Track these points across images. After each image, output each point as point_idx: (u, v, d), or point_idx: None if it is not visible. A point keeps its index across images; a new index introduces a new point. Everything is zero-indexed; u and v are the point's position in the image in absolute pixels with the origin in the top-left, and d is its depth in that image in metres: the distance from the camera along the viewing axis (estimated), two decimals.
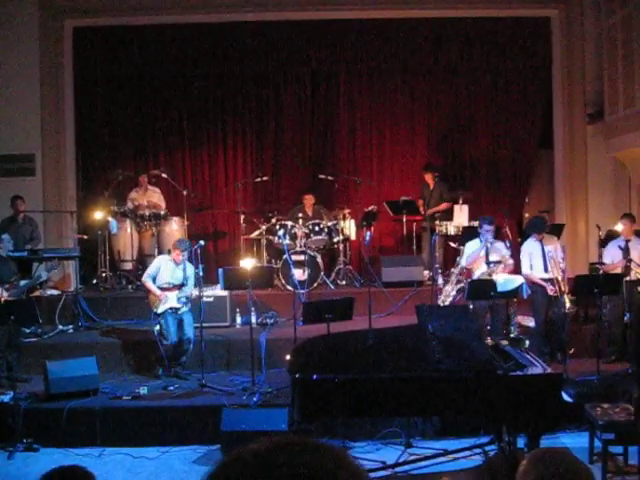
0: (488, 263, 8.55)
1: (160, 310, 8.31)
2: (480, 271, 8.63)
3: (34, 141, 11.23)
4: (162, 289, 8.35)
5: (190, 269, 8.46)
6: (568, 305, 8.31)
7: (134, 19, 11.64)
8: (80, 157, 11.92)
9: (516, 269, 8.92)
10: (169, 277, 8.41)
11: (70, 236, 10.98)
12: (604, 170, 11.36)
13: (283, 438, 0.97)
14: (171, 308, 8.32)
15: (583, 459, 2.10)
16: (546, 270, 8.51)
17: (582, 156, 11.51)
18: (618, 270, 8.49)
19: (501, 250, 8.66)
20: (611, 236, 9.38)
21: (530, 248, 8.70)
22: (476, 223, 9.43)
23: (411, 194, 11.30)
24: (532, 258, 8.62)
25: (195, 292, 8.49)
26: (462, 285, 8.67)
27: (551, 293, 8.42)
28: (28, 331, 9.03)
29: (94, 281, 10.83)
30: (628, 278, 8.40)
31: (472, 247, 8.77)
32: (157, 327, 8.40)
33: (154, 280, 8.41)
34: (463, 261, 8.89)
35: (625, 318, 8.39)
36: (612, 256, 8.65)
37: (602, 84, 11.13)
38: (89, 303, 10.02)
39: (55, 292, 10.27)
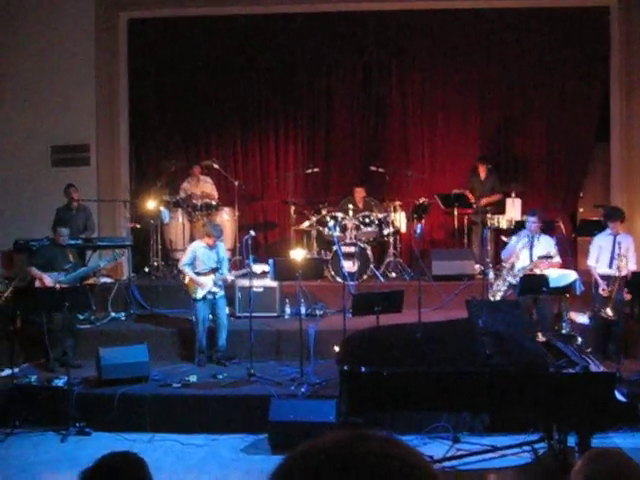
0: (531, 257, 8.43)
1: (199, 296, 8.44)
2: (522, 265, 8.51)
3: (89, 131, 11.43)
4: (200, 275, 8.47)
5: (223, 251, 8.64)
6: (611, 313, 8.13)
7: (187, 10, 11.72)
8: (134, 147, 12.09)
9: (567, 264, 8.77)
10: (206, 262, 8.56)
11: (123, 225, 11.16)
12: None
13: (356, 430, 0.96)
14: (209, 292, 8.44)
15: (636, 459, 2.05)
16: (610, 266, 8.33)
17: (639, 150, 11.23)
18: None
19: (547, 245, 8.51)
20: None
21: (601, 241, 8.52)
22: None
23: (462, 187, 11.18)
24: (601, 252, 8.44)
25: (230, 277, 8.64)
26: (514, 280, 8.54)
27: (602, 293, 8.26)
28: (82, 318, 9.22)
29: (146, 270, 11.00)
30: None
31: (515, 239, 8.69)
32: (194, 317, 8.56)
33: (191, 268, 8.53)
34: (502, 255, 8.84)
35: None
36: None
37: None
38: (141, 291, 10.18)
39: (108, 280, 10.45)
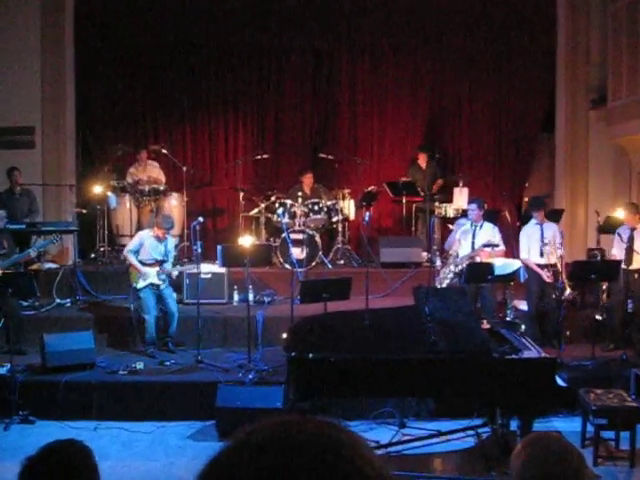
0: (473, 246, 8.57)
1: (140, 286, 8.35)
2: (463, 252, 8.65)
3: (34, 114, 11.17)
4: (144, 264, 8.38)
5: (171, 244, 8.52)
6: (568, 291, 8.33)
7: None
8: (80, 131, 11.87)
9: (512, 253, 8.94)
10: (152, 253, 8.44)
11: (69, 210, 10.96)
12: (605, 156, 11.34)
13: (296, 415, 0.97)
14: (151, 284, 8.35)
15: (575, 443, 2.12)
16: (542, 255, 8.52)
17: (583, 141, 11.48)
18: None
19: (489, 233, 8.65)
20: (610, 223, 9.38)
21: (529, 232, 8.70)
22: None
23: (407, 175, 11.30)
24: (530, 242, 8.63)
25: (175, 272, 8.53)
26: (460, 268, 8.67)
27: (547, 280, 8.44)
28: (26, 304, 9.05)
29: (92, 255, 10.85)
30: (632, 267, 8.34)
31: (457, 228, 8.83)
32: (135, 304, 8.46)
33: (136, 255, 8.43)
34: (445, 246, 8.98)
35: (629, 307, 8.38)
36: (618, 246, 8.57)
37: (606, 70, 11.07)
38: (87, 277, 10.03)
39: (53, 266, 10.28)
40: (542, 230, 8.58)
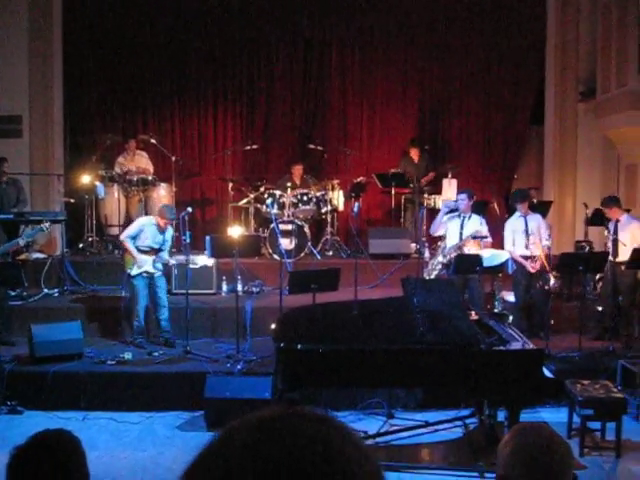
0: (461, 236, 8.60)
1: (134, 272, 8.28)
2: (451, 243, 8.67)
3: (21, 102, 11.09)
4: (140, 251, 8.33)
5: (169, 233, 8.45)
6: (553, 282, 8.38)
7: None
8: (68, 120, 11.80)
9: (501, 245, 8.97)
10: (150, 241, 8.36)
11: (57, 200, 10.90)
12: (593, 149, 11.38)
13: (287, 407, 0.97)
14: (146, 272, 8.31)
15: (562, 434, 2.14)
16: (527, 247, 8.55)
17: (572, 134, 11.51)
18: None
19: (477, 224, 8.67)
20: (598, 215, 9.41)
21: (513, 224, 8.73)
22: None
23: (399, 167, 11.31)
24: (515, 235, 8.66)
25: (172, 260, 8.49)
26: (448, 258, 8.69)
27: (532, 271, 8.48)
28: (13, 294, 9.01)
29: (80, 245, 10.80)
30: (617, 259, 8.39)
31: (450, 221, 8.85)
32: (128, 292, 8.42)
33: (133, 241, 8.37)
34: (431, 228, 9.06)
35: (619, 299, 8.43)
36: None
37: (595, 62, 11.10)
38: (75, 267, 10.00)
39: (41, 256, 10.23)
40: (526, 222, 8.61)
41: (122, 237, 8.51)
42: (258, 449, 0.89)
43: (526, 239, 8.53)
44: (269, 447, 0.89)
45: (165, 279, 8.51)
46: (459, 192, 9.05)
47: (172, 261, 8.53)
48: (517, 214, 8.74)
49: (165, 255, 8.40)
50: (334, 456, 0.89)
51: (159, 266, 8.39)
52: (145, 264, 8.28)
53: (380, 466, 0.95)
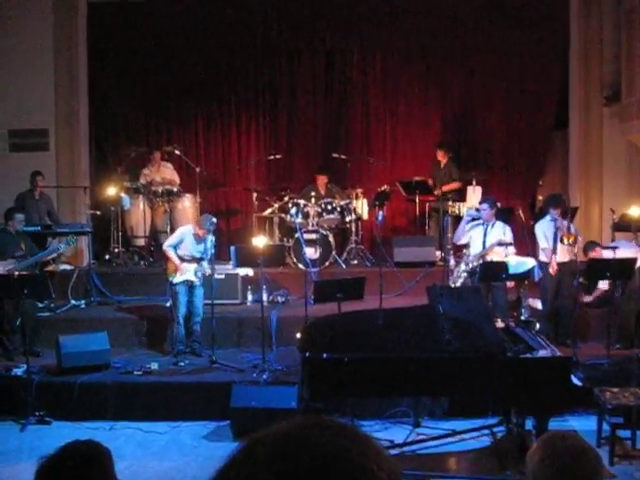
0: (484, 244, 8.54)
1: (176, 280, 8.32)
2: (475, 251, 8.62)
3: (48, 116, 11.23)
4: (182, 260, 8.38)
5: (211, 243, 8.46)
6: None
7: None
8: (94, 133, 11.93)
9: (527, 251, 8.90)
10: (191, 249, 8.42)
11: (83, 211, 10.99)
12: (619, 153, 11.26)
13: (310, 418, 0.97)
14: (187, 280, 8.35)
15: (591, 442, 2.12)
16: (554, 252, 8.47)
17: (597, 139, 11.42)
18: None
19: (499, 232, 8.61)
20: (625, 220, 9.31)
21: (544, 227, 8.63)
22: None
23: (424, 174, 11.27)
24: (548, 239, 8.57)
25: (209, 270, 8.46)
26: (471, 266, 8.64)
27: (552, 272, 8.40)
28: (41, 306, 9.09)
29: (106, 257, 10.88)
30: None
31: (472, 226, 8.80)
32: (169, 302, 8.44)
33: (175, 250, 8.43)
34: (455, 237, 9.00)
35: None
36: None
37: (620, 66, 11.00)
38: (101, 279, 10.08)
39: (68, 267, 10.33)
40: (556, 226, 8.52)
41: (164, 246, 8.58)
42: (280, 464, 0.89)
43: (554, 244, 8.45)
44: (290, 462, 0.89)
45: (204, 289, 8.48)
46: (481, 201, 9.00)
47: (209, 271, 8.44)
48: (548, 217, 8.62)
49: (207, 264, 8.41)
50: (354, 471, 0.89)
51: (200, 275, 8.43)
52: (187, 272, 8.33)
53: (402, 477, 0.94)
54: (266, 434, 0.94)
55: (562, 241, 8.35)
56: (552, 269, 8.37)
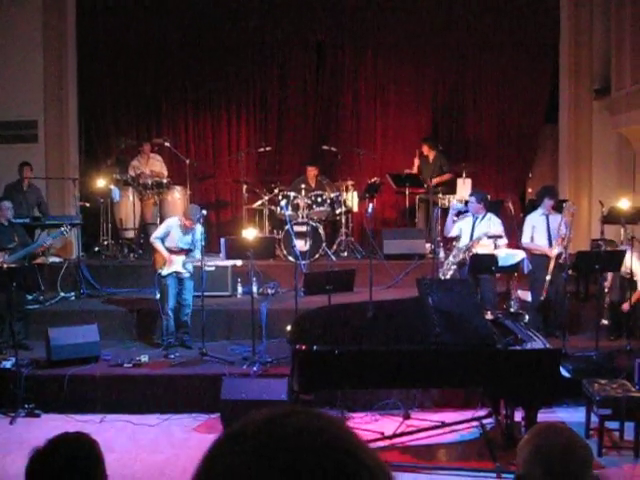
0: (471, 237, 8.55)
1: (165, 272, 8.31)
2: (463, 244, 8.64)
3: (36, 107, 11.18)
4: (170, 251, 8.36)
5: (199, 234, 8.43)
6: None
7: None
8: (83, 124, 11.87)
9: (516, 244, 8.92)
10: (178, 241, 8.40)
11: (72, 203, 10.96)
12: (609, 146, 11.30)
13: (290, 406, 0.98)
14: (175, 272, 8.34)
15: (579, 434, 2.13)
16: (550, 246, 8.49)
17: (587, 132, 11.45)
18: None
19: (488, 224, 8.62)
20: (614, 214, 9.34)
21: (534, 221, 8.65)
22: None
23: (413, 167, 11.28)
24: (535, 231, 8.60)
25: (200, 260, 8.45)
26: (458, 259, 8.64)
27: (551, 255, 8.41)
28: (30, 298, 9.07)
29: (96, 249, 10.86)
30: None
31: (463, 221, 8.81)
32: (158, 294, 8.42)
33: (162, 242, 8.41)
34: (445, 231, 9.02)
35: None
36: None
37: (609, 59, 11.03)
38: (91, 271, 10.05)
39: (57, 259, 10.29)
40: (548, 221, 8.54)
41: (151, 239, 8.57)
42: (264, 448, 0.89)
43: (548, 237, 8.46)
44: (269, 447, 0.89)
45: (193, 281, 8.46)
46: (470, 194, 9.00)
47: (198, 261, 8.38)
48: (540, 211, 8.63)
49: (197, 255, 8.38)
50: (337, 453, 0.89)
51: (189, 267, 8.40)
52: (175, 264, 8.31)
53: (383, 464, 0.94)
54: (247, 422, 0.95)
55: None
56: (552, 261, 8.36)
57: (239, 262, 8.52)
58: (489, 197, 9.38)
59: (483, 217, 8.65)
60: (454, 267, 8.73)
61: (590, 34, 11.31)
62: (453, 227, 8.86)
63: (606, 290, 8.55)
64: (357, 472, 0.89)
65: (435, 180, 11.00)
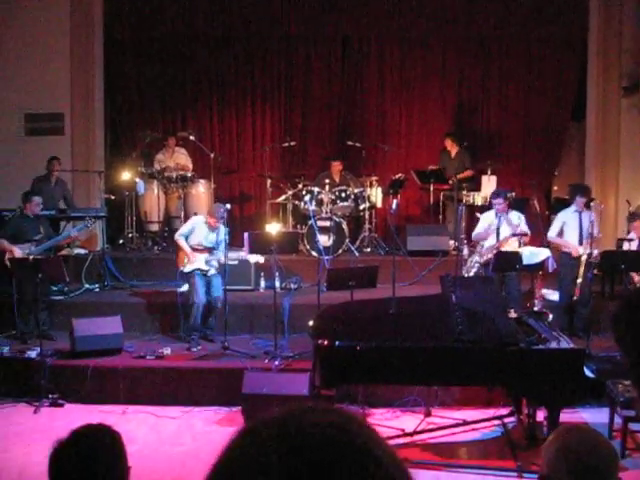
0: (498, 236, 8.47)
1: (187, 270, 8.35)
2: (489, 243, 8.57)
3: (63, 100, 11.28)
4: (192, 249, 8.39)
5: (223, 233, 8.46)
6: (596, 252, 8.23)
7: None
8: (109, 117, 11.95)
9: (541, 242, 8.85)
10: (202, 239, 8.43)
11: (97, 196, 11.04)
12: (636, 144, 11.16)
13: (309, 403, 0.98)
14: (199, 269, 8.36)
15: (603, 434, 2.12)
16: (580, 244, 8.39)
17: (615, 130, 11.32)
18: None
19: (513, 221, 8.55)
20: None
21: (566, 217, 8.55)
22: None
23: (438, 163, 11.23)
24: (565, 228, 8.50)
25: (223, 258, 8.42)
26: (485, 259, 8.58)
27: (574, 254, 8.34)
28: (55, 289, 9.16)
29: (120, 241, 10.94)
30: None
31: (485, 218, 8.72)
32: (183, 288, 8.45)
33: (186, 239, 8.44)
34: (473, 234, 8.88)
35: None
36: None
37: (638, 56, 10.88)
38: (115, 263, 10.13)
39: (82, 251, 10.38)
40: (580, 219, 8.44)
41: (176, 236, 8.61)
42: (283, 442, 0.89)
43: (580, 236, 8.37)
44: (288, 445, 0.89)
45: (221, 277, 8.46)
46: (492, 197, 8.82)
47: (222, 258, 8.30)
48: (572, 208, 8.53)
49: (220, 254, 8.40)
50: (358, 454, 0.89)
51: (214, 264, 8.42)
52: (197, 262, 8.33)
53: (403, 463, 0.94)
54: (268, 417, 0.95)
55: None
56: (574, 252, 8.27)
57: (261, 259, 8.52)
58: (514, 194, 9.30)
59: (507, 214, 8.57)
60: (477, 265, 8.68)
61: (619, 30, 11.17)
62: (482, 234, 8.69)
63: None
64: (372, 469, 0.88)
65: (459, 176, 10.93)
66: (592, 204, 8.63)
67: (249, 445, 0.92)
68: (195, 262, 8.33)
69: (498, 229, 8.52)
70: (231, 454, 0.93)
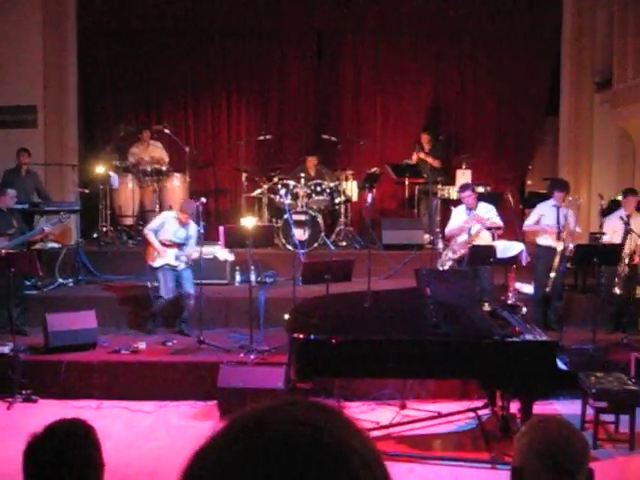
0: (469, 231, 8.52)
1: (156, 264, 8.32)
2: (462, 239, 8.61)
3: (36, 92, 11.14)
4: (162, 244, 8.35)
5: (193, 229, 8.44)
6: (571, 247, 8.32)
7: None
8: (82, 110, 11.84)
9: (515, 236, 8.91)
10: (172, 234, 8.40)
11: (71, 190, 10.94)
12: (609, 139, 11.29)
13: (288, 397, 0.98)
14: (168, 264, 8.33)
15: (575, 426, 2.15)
16: (558, 238, 8.46)
17: (588, 124, 11.43)
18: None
19: (484, 212, 8.60)
20: (612, 207, 9.35)
21: (544, 210, 8.62)
22: (480, 189, 9.43)
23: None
24: (543, 220, 8.57)
25: (195, 254, 8.41)
26: (457, 255, 8.62)
27: (551, 234, 8.41)
28: (28, 284, 9.07)
29: (95, 235, 10.85)
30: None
31: (457, 212, 8.76)
32: (155, 282, 8.43)
33: (156, 234, 8.41)
34: (446, 230, 8.92)
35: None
36: (613, 226, 8.61)
37: (611, 52, 10.99)
38: (89, 257, 10.04)
39: (56, 245, 10.27)
40: (558, 213, 8.51)
41: (145, 230, 8.57)
42: (261, 437, 0.89)
43: (557, 229, 8.44)
44: (261, 441, 0.89)
45: (191, 270, 8.45)
46: (460, 191, 8.85)
47: (196, 253, 8.32)
48: (551, 202, 8.61)
49: (189, 250, 8.38)
50: (331, 442, 0.89)
51: (183, 259, 8.39)
52: (166, 257, 8.30)
53: (381, 456, 0.95)
54: (245, 413, 0.95)
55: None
56: (557, 256, 8.36)
57: (231, 256, 8.53)
58: (489, 188, 9.35)
59: (476, 208, 8.61)
60: (451, 261, 8.73)
61: (592, 26, 11.27)
62: (460, 227, 8.73)
63: (616, 280, 8.51)
64: (349, 463, 0.89)
65: (421, 155, 10.92)
66: (570, 199, 8.71)
67: (225, 441, 0.92)
68: (165, 257, 8.30)
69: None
70: (207, 450, 0.93)
